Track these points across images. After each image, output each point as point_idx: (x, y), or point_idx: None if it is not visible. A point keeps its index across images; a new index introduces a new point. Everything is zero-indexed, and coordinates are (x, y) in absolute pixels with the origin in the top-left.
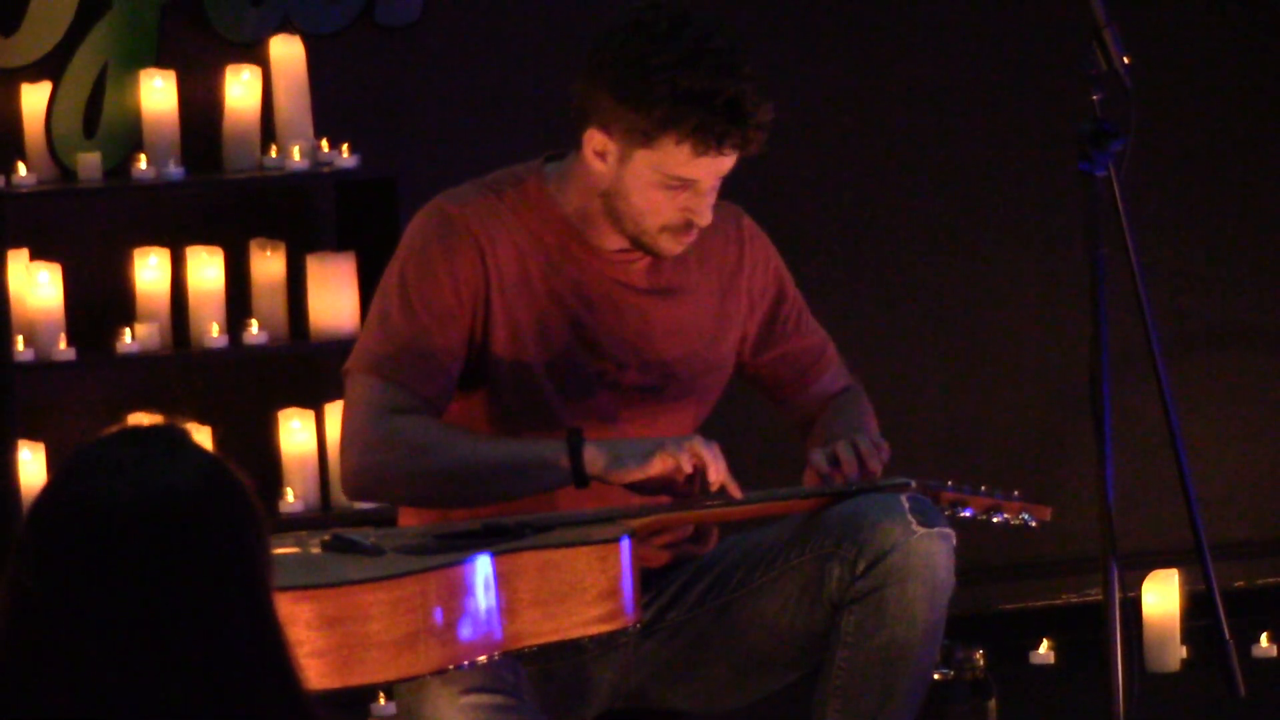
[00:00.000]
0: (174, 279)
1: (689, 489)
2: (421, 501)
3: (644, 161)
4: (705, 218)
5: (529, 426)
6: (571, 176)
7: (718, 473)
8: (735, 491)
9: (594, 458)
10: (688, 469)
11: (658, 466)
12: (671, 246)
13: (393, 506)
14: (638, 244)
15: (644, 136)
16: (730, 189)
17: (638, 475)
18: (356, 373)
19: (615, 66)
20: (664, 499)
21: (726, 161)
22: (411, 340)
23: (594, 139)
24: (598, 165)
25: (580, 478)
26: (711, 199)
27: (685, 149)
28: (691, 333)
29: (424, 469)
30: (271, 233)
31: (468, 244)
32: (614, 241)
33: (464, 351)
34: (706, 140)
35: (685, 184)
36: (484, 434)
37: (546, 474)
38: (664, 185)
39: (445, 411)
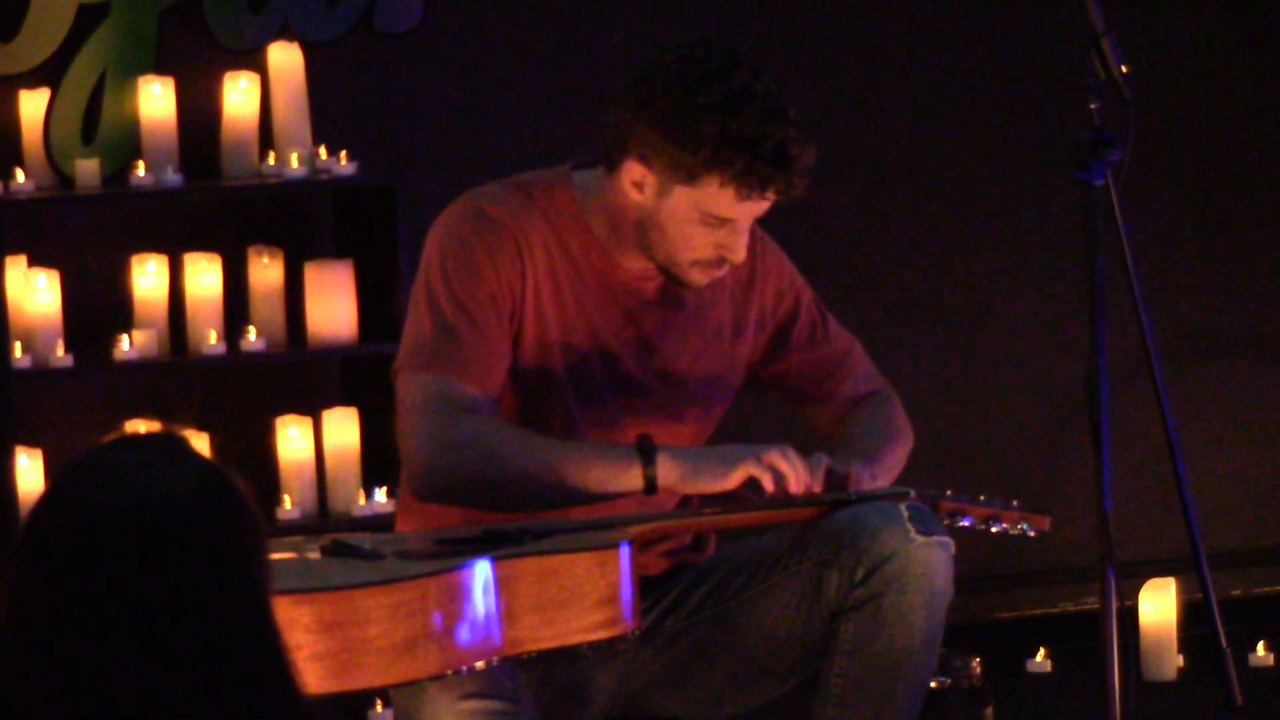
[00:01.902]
0: (172, 286)
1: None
2: (492, 505)
3: (684, 198)
4: (739, 254)
5: (547, 424)
6: (601, 195)
7: (798, 484)
8: (816, 487)
9: (669, 470)
10: (770, 488)
11: (737, 481)
12: (701, 279)
13: (469, 507)
14: (666, 273)
15: (687, 174)
16: None
17: (715, 489)
18: (411, 371)
19: (662, 103)
20: (667, 505)
21: (766, 203)
22: (464, 335)
23: (633, 170)
24: (634, 195)
25: (651, 487)
26: (746, 236)
27: (729, 192)
28: (702, 344)
29: (496, 474)
30: (270, 240)
31: (508, 240)
32: (636, 262)
33: (510, 345)
34: (750, 185)
35: (723, 222)
36: (553, 439)
37: (618, 482)
38: (702, 222)
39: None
